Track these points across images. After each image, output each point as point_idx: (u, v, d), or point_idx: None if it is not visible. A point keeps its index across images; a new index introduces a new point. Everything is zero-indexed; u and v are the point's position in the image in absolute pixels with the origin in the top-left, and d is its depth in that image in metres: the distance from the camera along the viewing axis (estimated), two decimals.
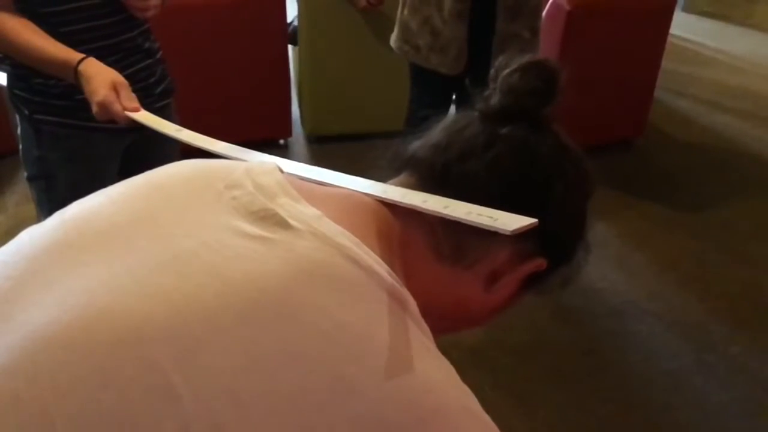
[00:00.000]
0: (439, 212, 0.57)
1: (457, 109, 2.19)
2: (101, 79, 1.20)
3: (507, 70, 0.62)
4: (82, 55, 1.24)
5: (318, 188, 0.60)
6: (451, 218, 0.56)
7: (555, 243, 0.64)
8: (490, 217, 0.55)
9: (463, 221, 0.55)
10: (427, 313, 0.52)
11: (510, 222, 0.54)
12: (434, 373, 0.49)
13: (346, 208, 0.57)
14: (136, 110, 1.20)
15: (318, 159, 3.11)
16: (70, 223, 0.54)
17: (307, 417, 0.42)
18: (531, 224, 0.53)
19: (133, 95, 1.22)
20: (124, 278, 0.47)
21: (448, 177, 0.60)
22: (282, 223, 0.50)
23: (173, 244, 0.49)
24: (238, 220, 0.51)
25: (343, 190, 0.61)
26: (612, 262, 2.50)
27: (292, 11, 3.03)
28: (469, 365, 1.96)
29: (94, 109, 1.20)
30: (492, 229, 0.54)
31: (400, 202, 0.59)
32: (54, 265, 0.49)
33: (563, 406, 1.89)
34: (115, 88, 1.20)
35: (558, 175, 0.63)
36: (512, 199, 0.57)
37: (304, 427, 0.42)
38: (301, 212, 0.52)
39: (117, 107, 1.18)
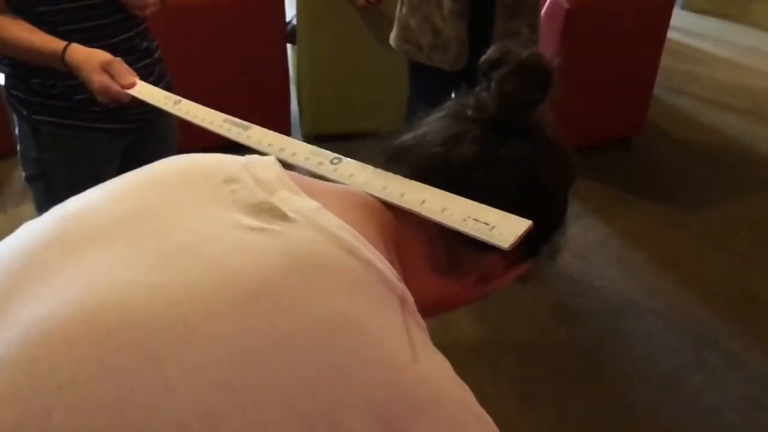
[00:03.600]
0: (435, 219, 0.57)
1: None
2: (89, 66, 1.20)
3: (501, 71, 0.61)
4: (65, 44, 1.23)
5: (319, 183, 0.60)
6: (447, 227, 0.56)
7: (543, 239, 0.65)
8: (486, 224, 0.55)
9: (459, 230, 0.56)
10: (420, 307, 0.52)
11: (506, 230, 0.54)
12: (431, 365, 0.49)
13: (346, 203, 0.57)
14: (133, 85, 1.19)
15: None
16: (69, 219, 0.54)
17: (302, 406, 0.42)
18: (526, 230, 0.54)
19: (125, 68, 1.21)
20: (122, 272, 0.47)
21: (447, 188, 0.59)
22: (281, 216, 0.51)
23: (172, 238, 0.49)
24: (236, 213, 0.51)
25: (344, 187, 0.61)
26: (611, 261, 2.50)
27: (291, 10, 3.03)
28: (469, 364, 1.96)
29: (97, 96, 1.20)
30: (489, 243, 0.54)
31: (398, 204, 0.59)
32: (53, 259, 0.49)
33: (563, 404, 1.90)
34: (106, 69, 1.19)
35: (552, 185, 0.64)
36: (512, 211, 0.58)
37: (299, 415, 0.42)
38: (301, 205, 0.52)
39: (115, 89, 1.17)
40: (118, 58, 1.22)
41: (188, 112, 0.96)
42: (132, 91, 1.17)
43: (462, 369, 0.52)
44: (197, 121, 0.91)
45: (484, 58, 0.63)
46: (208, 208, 0.52)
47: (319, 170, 0.67)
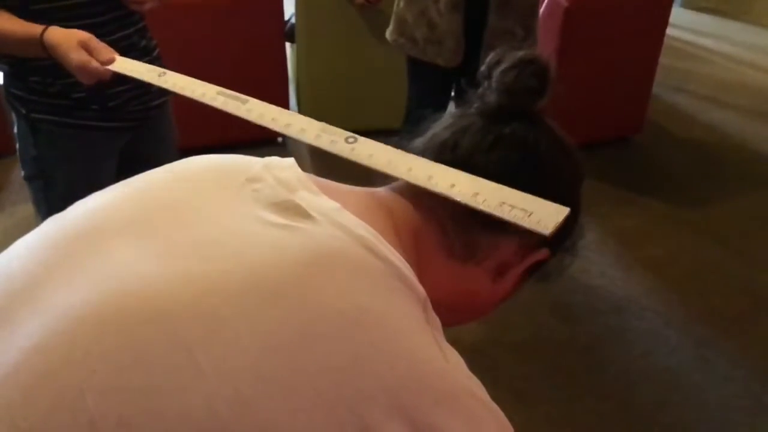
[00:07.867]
0: (467, 203, 0.58)
1: (455, 104, 2.19)
2: (67, 45, 1.18)
3: (501, 68, 0.64)
4: (42, 27, 1.22)
5: (337, 185, 0.62)
6: (483, 211, 0.57)
7: (557, 231, 0.66)
8: (524, 210, 0.56)
9: (495, 216, 0.57)
10: (437, 307, 0.54)
11: (545, 216, 0.55)
12: (449, 360, 0.51)
13: (364, 204, 0.59)
14: (112, 61, 1.16)
15: (316, 157, 3.10)
16: (96, 211, 0.56)
17: (327, 395, 0.44)
18: (565, 216, 0.56)
19: (103, 45, 1.19)
20: (152, 263, 0.49)
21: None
22: (303, 214, 0.52)
23: (199, 232, 0.51)
24: (260, 210, 0.53)
25: (361, 189, 0.63)
26: (611, 259, 2.50)
27: (289, 9, 3.03)
28: (468, 363, 1.94)
29: (77, 76, 1.18)
30: (530, 229, 0.55)
31: (425, 187, 0.60)
32: (84, 250, 0.51)
33: (563, 403, 1.90)
34: (84, 47, 1.17)
35: (559, 168, 0.65)
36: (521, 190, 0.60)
37: (323, 403, 0.44)
38: (321, 204, 0.54)
39: (93, 65, 1.15)
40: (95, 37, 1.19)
41: (175, 84, 0.89)
42: (113, 67, 1.14)
43: None
44: (187, 93, 0.84)
45: (483, 66, 0.66)
46: (233, 204, 0.54)
47: (334, 149, 0.64)
